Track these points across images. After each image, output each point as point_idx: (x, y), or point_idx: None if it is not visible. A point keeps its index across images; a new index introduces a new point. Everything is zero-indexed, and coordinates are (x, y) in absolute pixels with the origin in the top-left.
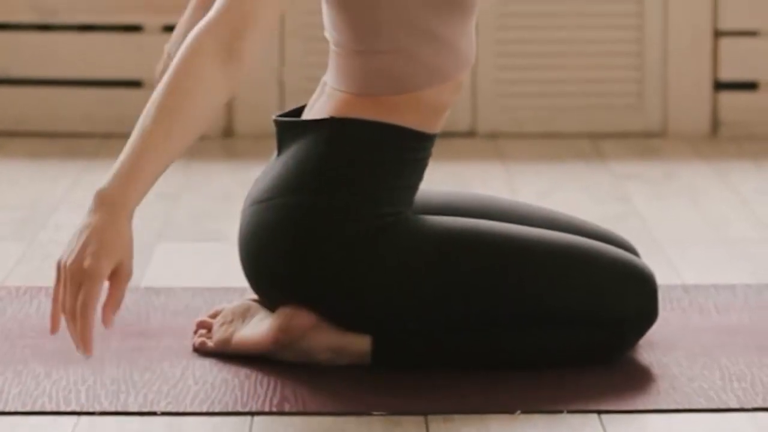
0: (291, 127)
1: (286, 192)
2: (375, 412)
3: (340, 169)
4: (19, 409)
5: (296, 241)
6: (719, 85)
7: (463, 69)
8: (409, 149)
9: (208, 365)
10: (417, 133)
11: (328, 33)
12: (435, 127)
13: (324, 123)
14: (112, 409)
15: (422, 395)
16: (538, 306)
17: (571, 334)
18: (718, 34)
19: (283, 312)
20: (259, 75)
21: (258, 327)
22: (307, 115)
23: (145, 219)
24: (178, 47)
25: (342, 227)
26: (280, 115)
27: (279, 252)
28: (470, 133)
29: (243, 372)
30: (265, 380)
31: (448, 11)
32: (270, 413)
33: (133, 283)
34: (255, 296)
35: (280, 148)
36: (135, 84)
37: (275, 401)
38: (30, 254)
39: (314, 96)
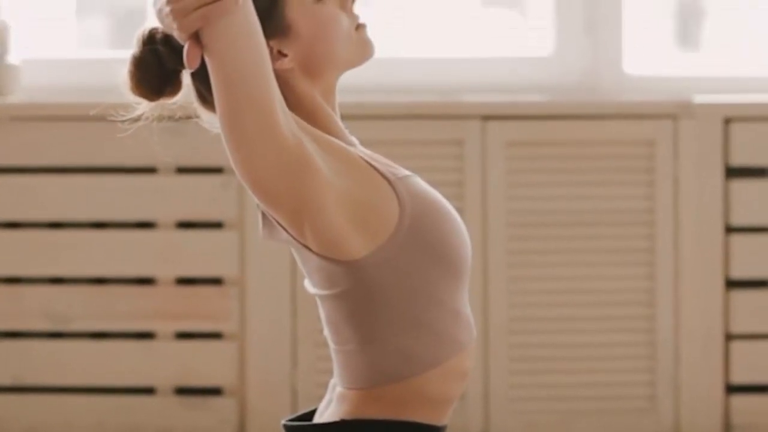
0: None
1: None
2: None
3: None
4: None
5: None
6: (731, 389)
7: (454, 354)
8: None
9: None
10: (427, 426)
11: (325, 330)
12: (443, 419)
13: (335, 426)
14: None
15: None
16: None
17: None
18: (729, 337)
19: None
20: (271, 380)
21: None
22: (318, 420)
23: None
24: None
25: None
26: (290, 420)
27: None
28: None
29: None
30: None
31: (438, 298)
32: None
33: None
34: None
35: None
36: (148, 391)
37: None
38: None
39: (325, 399)
